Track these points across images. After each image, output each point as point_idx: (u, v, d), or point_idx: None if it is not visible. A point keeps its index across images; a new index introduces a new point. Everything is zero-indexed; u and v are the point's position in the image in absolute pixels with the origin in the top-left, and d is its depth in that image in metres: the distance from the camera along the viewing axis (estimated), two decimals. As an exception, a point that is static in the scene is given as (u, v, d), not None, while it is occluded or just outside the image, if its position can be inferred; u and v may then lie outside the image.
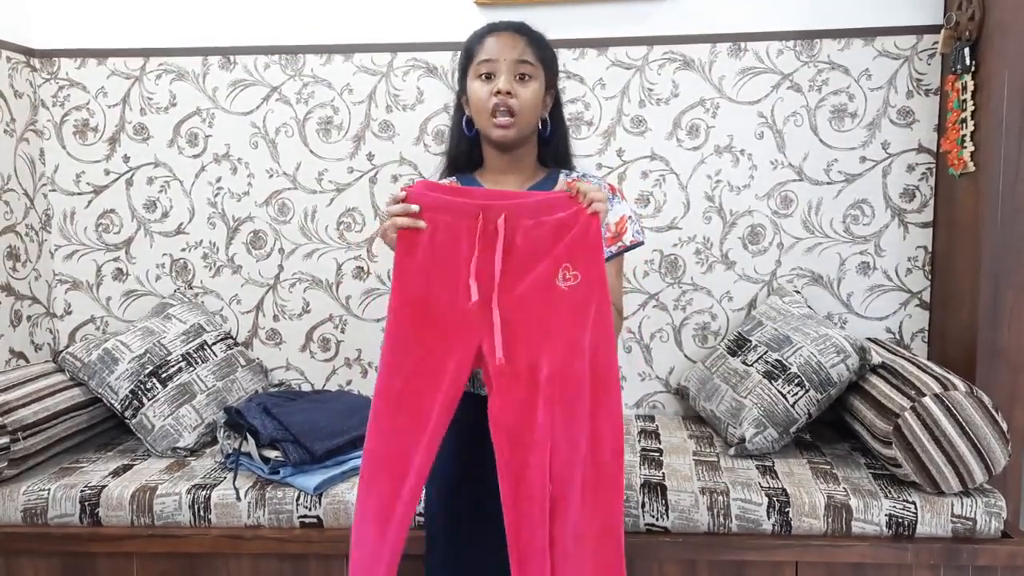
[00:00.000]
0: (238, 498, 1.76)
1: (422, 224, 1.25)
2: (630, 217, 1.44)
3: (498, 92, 1.33)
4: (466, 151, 1.47)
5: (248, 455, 1.83)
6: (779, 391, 1.90)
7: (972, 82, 1.95)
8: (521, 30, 1.39)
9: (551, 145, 1.47)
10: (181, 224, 2.37)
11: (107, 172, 2.36)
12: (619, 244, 1.42)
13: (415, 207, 1.26)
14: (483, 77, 1.35)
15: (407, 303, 1.27)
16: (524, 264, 1.26)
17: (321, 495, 1.76)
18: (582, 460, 1.24)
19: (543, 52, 1.39)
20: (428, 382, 1.26)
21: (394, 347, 1.28)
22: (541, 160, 1.48)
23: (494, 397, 1.25)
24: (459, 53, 1.45)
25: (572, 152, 1.51)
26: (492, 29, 1.38)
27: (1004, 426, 1.65)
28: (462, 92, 1.43)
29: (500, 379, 1.24)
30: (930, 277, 2.22)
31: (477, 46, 1.37)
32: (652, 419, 2.26)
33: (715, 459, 1.92)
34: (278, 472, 1.79)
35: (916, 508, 1.67)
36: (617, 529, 1.28)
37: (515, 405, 1.24)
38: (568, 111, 2.24)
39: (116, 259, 2.39)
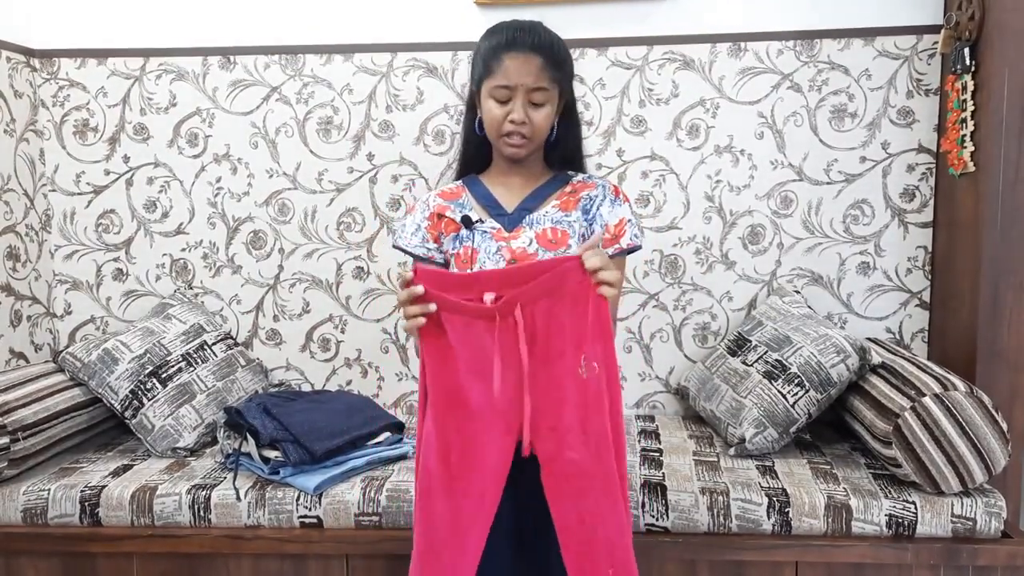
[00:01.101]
0: (238, 498, 1.76)
1: (432, 307, 1.24)
2: (629, 220, 1.44)
3: (512, 121, 1.35)
4: (476, 149, 1.49)
5: (248, 455, 1.83)
6: (779, 391, 1.90)
7: (972, 82, 1.95)
8: (539, 48, 1.35)
9: (559, 147, 1.47)
10: (181, 224, 2.37)
11: (107, 172, 2.36)
12: (616, 247, 1.42)
13: (420, 289, 1.24)
14: (498, 99, 1.36)
15: (443, 394, 1.28)
16: (546, 346, 1.25)
17: (321, 495, 1.76)
18: (627, 546, 1.30)
19: (558, 71, 1.37)
20: (476, 467, 1.27)
21: (438, 433, 1.28)
22: (549, 160, 1.49)
23: (548, 483, 1.27)
24: (472, 56, 1.43)
25: (585, 153, 1.52)
26: (510, 46, 1.35)
27: (1004, 426, 1.65)
28: (476, 94, 1.43)
29: (549, 466, 1.27)
30: (930, 277, 2.22)
31: (494, 63, 1.35)
32: (652, 419, 2.26)
33: (715, 459, 1.92)
34: (278, 472, 1.79)
35: (916, 508, 1.67)
36: None
37: (566, 491, 1.27)
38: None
39: (116, 259, 2.39)
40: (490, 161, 1.49)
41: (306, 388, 2.41)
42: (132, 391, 2.01)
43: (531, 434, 1.25)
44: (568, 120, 1.46)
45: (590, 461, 1.25)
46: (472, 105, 1.47)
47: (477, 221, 1.42)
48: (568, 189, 1.46)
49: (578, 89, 2.22)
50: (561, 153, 1.48)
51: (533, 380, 1.24)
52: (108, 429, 2.15)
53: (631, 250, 1.45)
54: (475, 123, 1.44)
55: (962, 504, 1.67)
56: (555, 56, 1.37)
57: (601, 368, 1.24)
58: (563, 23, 2.19)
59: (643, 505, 1.71)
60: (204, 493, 1.77)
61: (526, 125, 1.35)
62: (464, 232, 1.42)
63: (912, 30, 2.15)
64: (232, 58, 2.30)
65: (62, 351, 2.05)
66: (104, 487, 1.79)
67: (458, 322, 1.25)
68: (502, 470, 1.28)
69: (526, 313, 1.24)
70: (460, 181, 1.51)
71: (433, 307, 1.24)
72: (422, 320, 1.24)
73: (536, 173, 1.47)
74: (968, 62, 1.95)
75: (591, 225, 1.43)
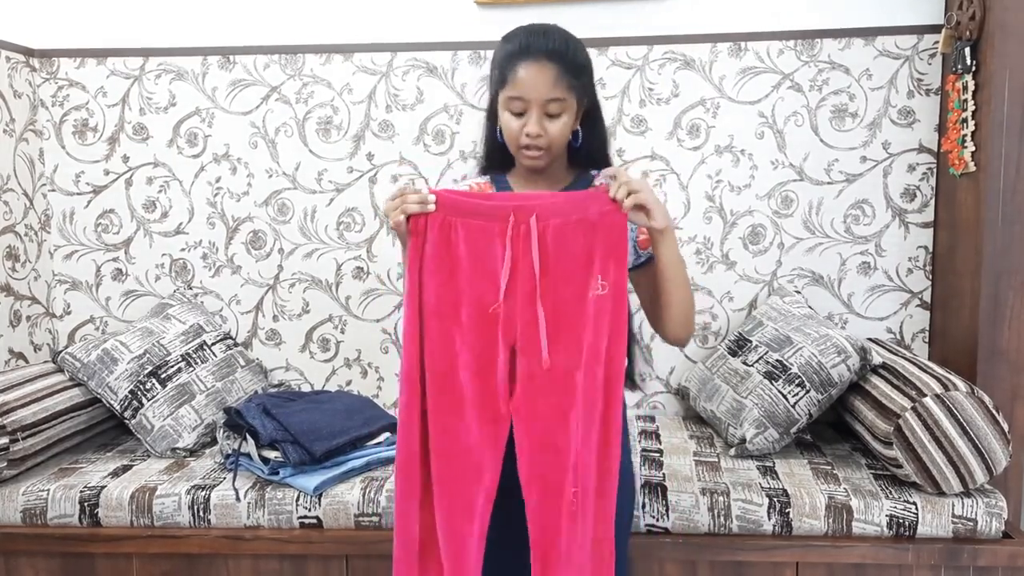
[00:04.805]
0: (237, 499, 1.76)
1: (431, 207, 1.25)
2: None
3: (527, 134, 1.31)
4: (498, 152, 1.44)
5: (248, 456, 1.83)
6: (780, 391, 1.90)
7: (973, 82, 1.95)
8: (553, 55, 1.29)
9: (583, 150, 1.42)
10: (180, 224, 2.37)
11: (106, 172, 2.36)
12: (648, 252, 1.38)
13: (432, 198, 1.26)
14: (513, 111, 1.32)
15: (450, 306, 1.27)
16: (556, 265, 1.25)
17: (321, 496, 1.76)
18: (594, 464, 1.26)
19: (575, 78, 1.32)
20: (486, 380, 1.27)
21: (446, 344, 1.28)
22: (574, 160, 1.45)
23: (522, 401, 1.26)
24: (491, 63, 1.38)
25: (610, 152, 1.47)
26: (523, 54, 1.29)
27: (1005, 426, 1.65)
28: (495, 100, 1.37)
29: (531, 382, 1.25)
30: (931, 277, 2.22)
31: (509, 73, 1.30)
32: (652, 419, 2.26)
33: (716, 459, 1.91)
34: (278, 473, 1.79)
35: (917, 508, 1.67)
36: (611, 531, 1.28)
37: (547, 410, 1.25)
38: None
39: (115, 259, 2.39)
40: (513, 161, 1.45)
41: (306, 388, 2.40)
42: (131, 391, 2.01)
43: (526, 344, 1.24)
44: (591, 121, 1.41)
45: (580, 377, 1.24)
46: (493, 112, 1.41)
47: None
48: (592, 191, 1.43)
49: (578, 89, 2.23)
50: (587, 154, 1.44)
51: (542, 295, 1.24)
52: (107, 429, 2.14)
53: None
54: (496, 131, 1.40)
55: (963, 504, 1.67)
56: (571, 63, 1.31)
57: (611, 289, 1.24)
58: (563, 23, 2.17)
59: (643, 505, 1.71)
60: (204, 493, 1.77)
61: (542, 138, 1.31)
62: None
63: (913, 30, 2.14)
64: (232, 58, 2.30)
65: (61, 351, 2.05)
66: (103, 487, 1.79)
67: (470, 228, 1.26)
68: (507, 385, 1.26)
69: (539, 227, 1.24)
70: (487, 178, 1.47)
71: (432, 207, 1.25)
72: (415, 207, 1.24)
73: (560, 175, 1.44)
74: (969, 62, 1.95)
75: None
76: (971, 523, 1.67)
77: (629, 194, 1.23)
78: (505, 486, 1.28)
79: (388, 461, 1.89)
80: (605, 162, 1.46)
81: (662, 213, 1.26)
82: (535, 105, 1.30)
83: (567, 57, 1.31)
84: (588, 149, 1.42)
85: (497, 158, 1.45)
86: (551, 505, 1.24)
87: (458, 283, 1.27)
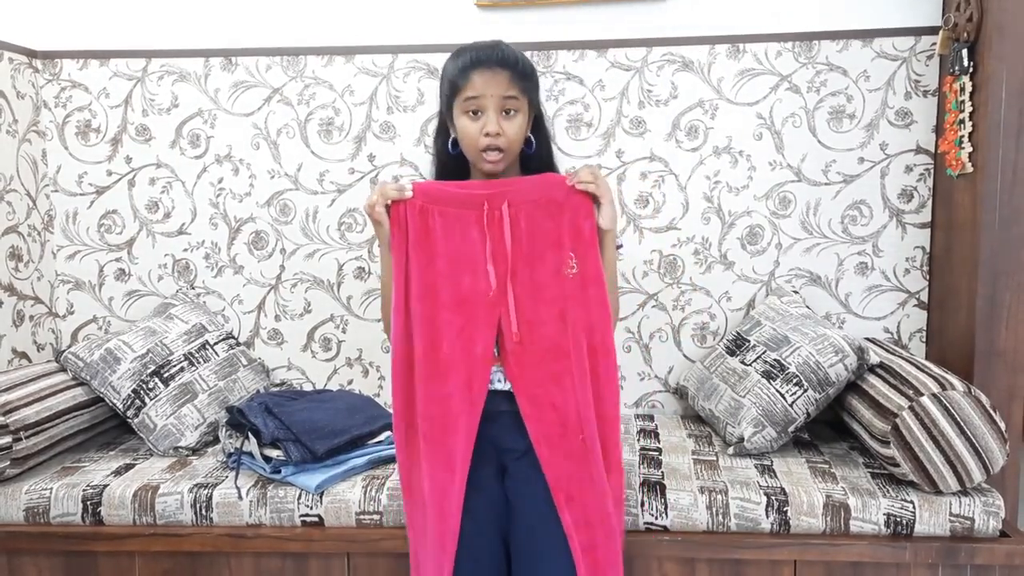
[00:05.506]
0: (240, 497, 1.77)
1: (408, 193, 1.37)
2: None
3: (487, 134, 1.38)
4: (454, 163, 1.51)
5: (250, 454, 1.84)
6: (777, 391, 1.91)
7: (970, 83, 1.96)
8: (505, 63, 1.39)
9: (534, 157, 1.50)
10: (183, 224, 2.38)
11: (109, 173, 2.37)
12: None
13: (409, 185, 1.38)
14: (470, 113, 1.39)
15: (431, 288, 1.39)
16: (530, 246, 1.38)
17: (322, 494, 1.77)
18: (593, 418, 1.39)
19: (526, 82, 1.41)
20: (465, 354, 1.39)
21: (427, 324, 1.39)
22: (526, 168, 1.52)
23: (515, 371, 1.39)
24: (439, 81, 1.46)
25: (555, 159, 1.56)
26: (477, 63, 1.39)
27: (1002, 426, 1.66)
28: (447, 116, 1.45)
29: (518, 355, 1.39)
30: (928, 277, 2.23)
31: (462, 81, 1.39)
32: (651, 418, 2.27)
33: (714, 458, 1.93)
34: (279, 471, 1.80)
35: (914, 507, 1.68)
36: (619, 465, 1.43)
37: (540, 375, 1.39)
38: (567, 112, 2.25)
39: (118, 259, 2.40)
40: (467, 171, 1.51)
41: (307, 387, 2.41)
42: (134, 390, 2.02)
43: (511, 322, 1.37)
44: (539, 130, 1.50)
45: (569, 344, 1.37)
46: (443, 128, 1.49)
47: None
48: None
49: (578, 90, 2.24)
50: (537, 162, 1.51)
51: (516, 277, 1.38)
52: (110, 428, 2.16)
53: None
54: (447, 144, 1.47)
55: (960, 503, 1.68)
56: (521, 68, 1.41)
57: (581, 266, 1.37)
58: (563, 23, 2.21)
59: (642, 504, 1.72)
60: (206, 492, 1.78)
61: (501, 136, 1.38)
62: None
63: (910, 31, 2.16)
64: (234, 59, 2.31)
65: (64, 351, 2.06)
66: (106, 486, 1.80)
67: (447, 215, 1.38)
68: (487, 362, 1.39)
69: (512, 212, 1.37)
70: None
71: (409, 193, 1.37)
72: (394, 193, 1.36)
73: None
74: (966, 63, 1.96)
75: None
76: (968, 522, 1.68)
77: (580, 182, 1.36)
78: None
79: (389, 460, 1.90)
80: (551, 168, 1.54)
81: (610, 216, 1.39)
82: (492, 104, 1.38)
83: (518, 65, 1.41)
84: (538, 155, 1.52)
85: (452, 165, 1.52)
86: (557, 453, 1.38)
87: (437, 267, 1.39)
